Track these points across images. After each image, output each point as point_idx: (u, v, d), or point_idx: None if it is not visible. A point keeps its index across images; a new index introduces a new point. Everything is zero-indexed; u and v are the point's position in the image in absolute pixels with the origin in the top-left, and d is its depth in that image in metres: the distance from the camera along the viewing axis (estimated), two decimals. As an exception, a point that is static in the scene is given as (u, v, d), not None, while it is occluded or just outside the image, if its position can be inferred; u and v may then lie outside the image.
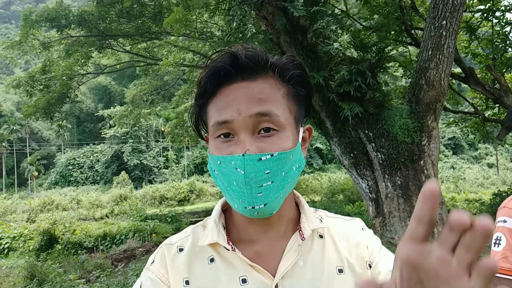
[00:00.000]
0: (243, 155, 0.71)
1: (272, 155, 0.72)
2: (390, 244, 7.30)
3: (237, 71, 0.75)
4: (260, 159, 0.71)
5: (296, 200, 0.89)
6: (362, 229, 0.90)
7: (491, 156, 46.28)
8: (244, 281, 0.77)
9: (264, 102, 0.74)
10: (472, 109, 11.92)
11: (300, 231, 0.82)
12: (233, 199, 0.75)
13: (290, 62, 0.79)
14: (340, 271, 0.81)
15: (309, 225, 0.82)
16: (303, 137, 0.83)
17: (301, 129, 0.82)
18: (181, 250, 0.83)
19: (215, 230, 0.81)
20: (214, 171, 0.78)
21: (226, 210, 0.89)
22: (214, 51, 0.80)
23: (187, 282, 0.79)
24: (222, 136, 0.75)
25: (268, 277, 0.77)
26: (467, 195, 20.58)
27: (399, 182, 7.33)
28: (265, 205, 0.73)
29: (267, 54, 0.78)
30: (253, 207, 0.73)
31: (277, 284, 0.77)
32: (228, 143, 0.75)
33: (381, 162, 7.39)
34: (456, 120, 13.51)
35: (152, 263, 0.84)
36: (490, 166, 43.51)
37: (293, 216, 0.86)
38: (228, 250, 0.79)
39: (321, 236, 0.85)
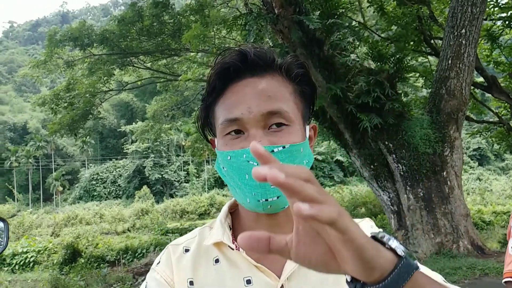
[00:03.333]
0: None
1: (284, 147, 0.73)
2: (414, 258, 7.10)
3: (246, 67, 0.76)
4: (273, 151, 0.72)
5: None
6: (371, 227, 0.88)
7: (519, 166, 44.79)
8: (248, 281, 0.76)
9: (274, 100, 0.75)
10: (497, 119, 11.62)
11: None
12: (245, 194, 0.75)
13: (294, 61, 0.80)
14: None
15: None
16: (309, 135, 0.83)
17: (307, 127, 0.83)
18: (187, 250, 0.84)
19: (220, 229, 0.82)
20: (223, 168, 0.78)
21: (233, 212, 0.89)
22: (221, 47, 0.82)
23: (191, 283, 0.79)
24: (232, 133, 0.76)
25: (274, 278, 0.76)
26: (494, 208, 19.88)
27: (422, 194, 7.17)
28: (278, 197, 0.73)
29: (275, 53, 0.79)
30: (266, 200, 0.73)
31: (282, 285, 0.76)
32: (238, 139, 0.75)
33: (402, 173, 7.26)
34: (480, 130, 13.17)
35: (158, 263, 0.84)
36: (518, 177, 42.05)
37: None
38: (233, 249, 0.79)
39: None
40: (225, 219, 0.85)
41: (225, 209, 0.88)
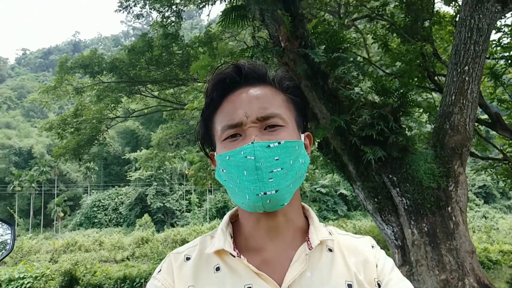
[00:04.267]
0: (252, 143, 0.75)
1: (279, 142, 0.77)
2: (418, 296, 6.91)
3: (241, 79, 0.82)
4: (269, 146, 0.76)
5: (306, 212, 0.90)
6: (372, 247, 0.88)
7: (526, 205, 44.15)
8: None
9: (268, 105, 0.80)
10: (501, 156, 11.59)
11: (308, 241, 0.82)
12: (244, 190, 0.76)
13: (284, 75, 0.87)
14: (350, 286, 0.79)
15: (317, 235, 0.82)
16: (304, 144, 0.86)
17: (302, 136, 0.86)
18: (188, 259, 0.85)
19: (222, 237, 0.83)
20: (222, 170, 0.81)
21: (234, 222, 0.90)
22: (219, 64, 0.88)
23: None
24: (230, 137, 0.80)
25: (274, 286, 0.77)
26: (501, 246, 19.50)
27: (426, 229, 7.06)
28: (276, 191, 0.74)
29: (266, 67, 0.86)
30: (265, 193, 0.74)
31: None
32: (236, 141, 0.80)
33: (406, 207, 7.18)
34: (485, 167, 13.11)
35: (159, 271, 0.85)
36: (525, 216, 41.33)
37: (301, 225, 0.86)
38: (234, 256, 0.79)
39: (330, 250, 0.84)
40: (226, 228, 0.86)
41: (226, 218, 0.90)
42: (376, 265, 0.83)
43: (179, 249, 0.89)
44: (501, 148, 12.02)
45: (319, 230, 0.84)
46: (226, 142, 0.80)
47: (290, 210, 0.80)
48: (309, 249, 0.80)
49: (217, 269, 0.81)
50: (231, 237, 0.85)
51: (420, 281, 7.02)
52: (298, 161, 0.80)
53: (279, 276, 0.78)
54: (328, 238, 0.83)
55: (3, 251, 1.28)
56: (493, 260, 16.30)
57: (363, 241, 0.89)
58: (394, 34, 10.13)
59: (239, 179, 0.76)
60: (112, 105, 16.52)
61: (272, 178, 0.74)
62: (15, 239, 1.26)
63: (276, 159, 0.75)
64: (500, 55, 10.48)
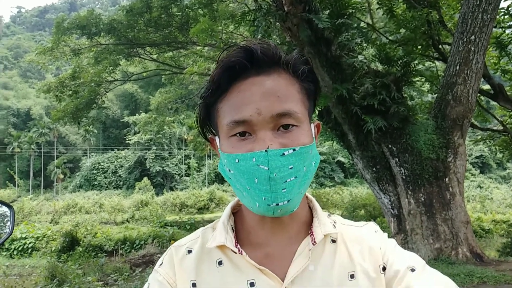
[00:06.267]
0: (266, 151, 0.69)
1: (294, 149, 0.71)
2: (411, 263, 7.09)
3: (252, 65, 0.73)
4: (283, 154, 0.70)
5: (310, 203, 0.87)
6: (376, 231, 0.86)
7: (521, 176, 44.69)
8: (252, 284, 0.75)
9: (283, 100, 0.72)
10: (501, 127, 11.58)
11: (312, 235, 0.79)
12: (254, 198, 0.72)
13: (300, 57, 0.78)
14: (352, 276, 0.77)
15: (321, 229, 0.79)
16: (314, 134, 0.81)
17: (312, 125, 0.81)
18: (189, 252, 0.82)
19: (223, 232, 0.80)
20: (229, 170, 0.76)
21: (236, 213, 0.87)
22: (227, 43, 0.79)
23: (194, 285, 0.78)
24: (238, 135, 0.74)
25: (277, 281, 0.75)
26: (494, 216, 19.88)
27: (423, 199, 7.15)
28: (288, 201, 0.71)
29: (280, 49, 0.77)
30: (277, 204, 0.70)
31: None
32: (245, 141, 0.73)
33: (404, 177, 7.24)
34: (484, 138, 13.13)
35: (160, 265, 0.83)
36: (519, 186, 41.92)
37: (305, 218, 0.83)
38: (235, 253, 0.77)
39: (333, 241, 0.82)
40: (227, 221, 0.83)
41: (227, 210, 0.86)
42: (380, 248, 0.82)
43: (180, 242, 0.86)
44: (501, 120, 11.98)
45: (323, 223, 0.81)
46: (234, 140, 0.74)
47: None
48: (313, 244, 0.78)
49: (220, 263, 0.79)
50: (233, 231, 0.82)
51: (414, 249, 7.18)
52: (311, 166, 0.75)
53: (282, 270, 0.77)
54: (332, 231, 0.80)
55: (3, 233, 1.27)
56: (485, 229, 16.67)
57: (366, 229, 0.87)
58: (400, 0, 9.83)
59: (249, 185, 0.72)
60: (111, 68, 16.29)
61: (285, 189, 0.70)
62: (14, 221, 1.24)
63: (290, 168, 0.70)
64: (508, 24, 10.23)
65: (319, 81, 0.83)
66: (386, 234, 0.87)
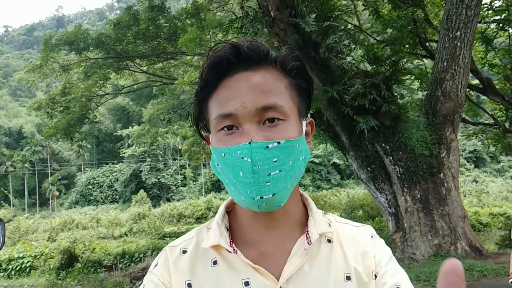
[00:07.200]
0: (249, 143, 0.70)
1: (279, 142, 0.71)
2: (412, 260, 7.10)
3: (239, 61, 0.74)
4: (267, 147, 0.70)
5: (305, 202, 0.86)
6: (372, 237, 0.85)
7: (515, 168, 45.02)
8: (247, 283, 0.75)
9: (268, 94, 0.73)
10: (492, 121, 11.68)
11: (307, 235, 0.79)
12: (240, 192, 0.73)
13: (289, 54, 0.78)
14: (348, 278, 0.77)
15: (316, 229, 0.79)
16: (306, 131, 0.81)
17: (304, 122, 0.81)
18: (184, 252, 0.82)
19: (217, 232, 0.80)
20: (217, 165, 0.76)
21: (230, 211, 0.87)
22: (216, 43, 0.80)
23: (189, 285, 0.78)
24: (225, 129, 0.74)
25: (272, 280, 0.75)
26: (491, 209, 19.96)
27: (419, 196, 7.18)
28: (273, 195, 0.71)
29: (268, 46, 0.77)
30: (261, 197, 0.70)
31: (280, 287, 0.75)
32: (232, 135, 0.73)
33: (399, 175, 7.27)
34: (476, 132, 13.23)
35: (155, 266, 0.83)
36: (514, 178, 42.22)
37: (299, 217, 0.83)
38: (230, 252, 0.77)
39: (329, 241, 0.81)
40: (221, 220, 0.83)
41: (221, 209, 0.86)
42: (374, 256, 0.82)
43: (174, 242, 0.86)
44: (492, 113, 12.09)
45: (318, 222, 0.81)
46: (221, 134, 0.74)
47: (289, 202, 0.77)
48: (308, 243, 0.78)
49: (214, 262, 0.79)
50: (227, 230, 0.82)
51: (414, 247, 7.20)
52: (298, 160, 0.75)
53: (277, 269, 0.76)
54: (327, 230, 0.80)
55: None
56: (483, 223, 16.73)
57: (362, 231, 0.87)
58: (385, 0, 9.94)
59: (235, 179, 0.72)
60: (101, 82, 16.23)
61: (270, 182, 0.70)
62: (5, 234, 1.24)
63: (274, 161, 0.70)
64: (492, 18, 10.37)
65: (311, 78, 0.83)
66: (382, 241, 0.86)
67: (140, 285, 0.83)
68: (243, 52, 0.74)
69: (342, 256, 0.80)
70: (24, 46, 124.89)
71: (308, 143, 0.81)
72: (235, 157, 0.71)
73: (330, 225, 0.83)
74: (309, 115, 0.88)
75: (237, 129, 0.73)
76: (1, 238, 1.23)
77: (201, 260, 0.80)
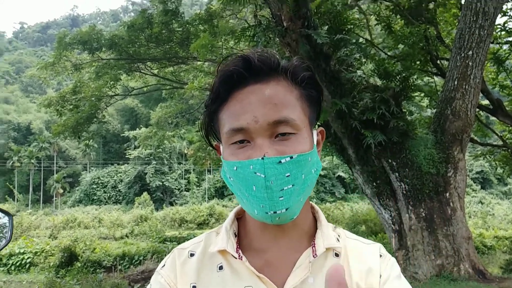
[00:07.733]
0: (262, 158, 0.70)
1: (291, 157, 0.71)
2: (414, 279, 7.00)
3: (250, 74, 0.74)
4: (280, 161, 0.70)
5: (315, 214, 0.86)
6: (380, 256, 0.84)
7: (522, 191, 44.48)
8: None
9: (280, 108, 0.73)
10: (501, 142, 11.58)
11: (314, 247, 0.79)
12: (253, 205, 0.73)
13: (300, 64, 0.78)
14: None
15: (323, 242, 0.79)
16: (316, 140, 0.81)
17: (315, 132, 0.81)
18: (192, 255, 0.83)
19: (225, 237, 0.81)
20: (229, 178, 0.77)
21: (240, 218, 0.87)
22: (226, 55, 0.80)
23: None
24: (237, 143, 0.74)
25: None
26: (496, 232, 19.70)
27: (424, 214, 7.10)
28: (286, 209, 0.71)
29: (279, 57, 0.77)
30: (274, 212, 0.71)
31: None
32: (244, 149, 0.73)
33: (404, 192, 7.20)
34: (484, 153, 13.12)
35: (162, 266, 0.84)
36: (520, 202, 41.69)
37: (308, 228, 0.83)
38: (236, 258, 0.77)
39: (337, 255, 0.81)
40: (230, 226, 0.84)
41: (231, 215, 0.87)
42: (380, 276, 0.80)
43: (184, 245, 0.87)
44: (501, 135, 11.99)
45: (326, 235, 0.81)
46: (233, 147, 0.75)
47: (299, 213, 0.77)
48: (314, 256, 0.77)
49: (220, 267, 0.79)
50: (235, 236, 0.82)
51: (416, 266, 7.10)
52: (310, 173, 0.75)
53: (281, 279, 0.76)
54: (334, 245, 0.80)
55: (2, 240, 1.27)
56: (487, 246, 16.49)
57: (372, 249, 0.85)
58: (398, 16, 9.95)
59: (248, 193, 0.72)
60: (111, 83, 16.37)
61: (283, 197, 0.70)
62: (13, 229, 1.25)
63: (287, 176, 0.70)
64: (505, 40, 10.34)
65: (321, 87, 0.83)
66: (393, 260, 0.85)
67: (146, 284, 0.84)
68: (253, 64, 0.74)
69: (348, 273, 0.79)
70: (38, 43, 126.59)
71: (318, 152, 0.81)
72: (248, 171, 0.71)
73: (338, 240, 0.83)
74: (317, 125, 0.88)
75: (249, 142, 0.73)
76: (9, 233, 1.23)
77: (208, 265, 0.81)
